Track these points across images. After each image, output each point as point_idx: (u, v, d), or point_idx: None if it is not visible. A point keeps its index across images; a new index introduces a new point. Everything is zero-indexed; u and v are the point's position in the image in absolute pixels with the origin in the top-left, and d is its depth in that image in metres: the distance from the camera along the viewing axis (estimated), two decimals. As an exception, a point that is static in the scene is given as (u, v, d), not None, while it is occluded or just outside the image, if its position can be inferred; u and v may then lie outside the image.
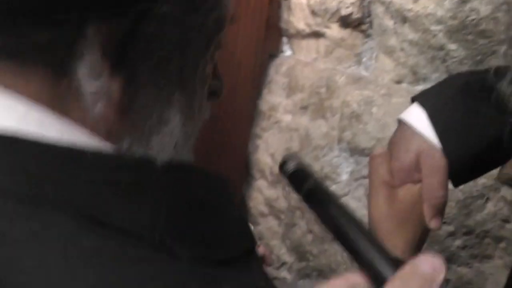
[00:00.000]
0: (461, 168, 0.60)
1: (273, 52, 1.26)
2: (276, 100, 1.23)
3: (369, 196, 0.61)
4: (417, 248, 0.61)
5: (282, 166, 0.41)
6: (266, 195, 1.25)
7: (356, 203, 1.06)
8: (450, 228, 0.95)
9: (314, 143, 1.14)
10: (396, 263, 0.32)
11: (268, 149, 1.25)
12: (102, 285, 0.33)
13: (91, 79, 0.37)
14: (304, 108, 1.18)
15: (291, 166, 0.40)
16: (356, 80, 1.10)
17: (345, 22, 1.11)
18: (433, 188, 0.59)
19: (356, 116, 1.07)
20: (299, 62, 1.20)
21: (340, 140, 1.10)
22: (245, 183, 1.30)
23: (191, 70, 0.43)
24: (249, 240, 0.47)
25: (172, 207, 0.39)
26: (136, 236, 0.37)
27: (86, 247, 0.35)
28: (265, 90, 1.25)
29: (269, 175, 1.25)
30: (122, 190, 0.39)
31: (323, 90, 1.14)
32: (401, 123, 0.62)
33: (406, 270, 0.31)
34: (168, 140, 0.43)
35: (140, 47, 0.39)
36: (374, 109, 1.05)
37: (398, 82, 1.05)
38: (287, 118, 1.20)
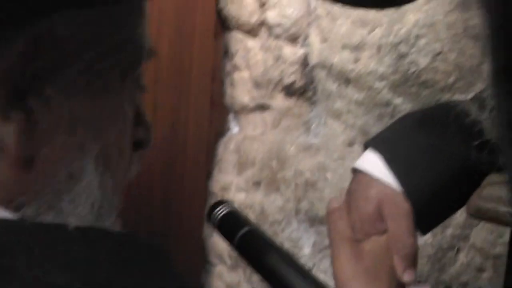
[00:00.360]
0: (427, 210, 0.55)
1: (220, 130, 1.22)
2: (228, 178, 1.18)
3: (332, 255, 0.55)
4: None
5: (210, 213, 0.36)
6: (227, 281, 1.17)
7: (323, 275, 0.99)
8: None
9: (271, 218, 1.08)
10: None
11: (225, 232, 1.18)
12: None
13: None
14: (256, 183, 1.13)
15: (220, 212, 0.35)
16: (307, 148, 1.07)
17: (289, 91, 1.10)
18: (401, 237, 0.54)
19: (311, 185, 1.03)
20: (247, 137, 1.17)
21: (297, 212, 1.04)
22: (204, 271, 1.22)
23: (105, 110, 0.37)
24: None
25: (88, 282, 0.32)
26: None
27: None
28: (215, 169, 1.20)
29: (227, 259, 1.17)
30: (30, 262, 0.32)
31: (274, 162, 1.10)
32: (356, 172, 0.58)
33: None
34: (82, 201, 0.36)
35: (37, 81, 0.33)
36: (329, 175, 1.01)
37: (350, 144, 1.02)
38: (240, 197, 1.15)
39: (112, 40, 0.36)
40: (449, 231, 0.87)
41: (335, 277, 0.55)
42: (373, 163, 0.55)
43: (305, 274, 0.31)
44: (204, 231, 1.21)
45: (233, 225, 0.35)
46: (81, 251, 0.33)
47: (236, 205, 1.14)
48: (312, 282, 0.31)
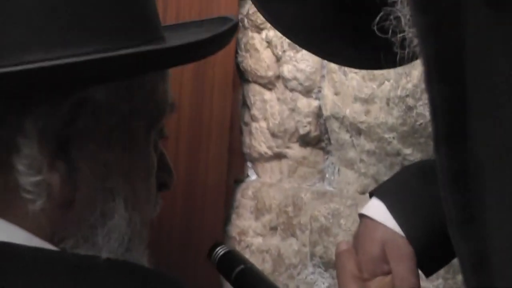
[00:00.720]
0: (429, 254, 0.59)
1: (239, 177, 1.28)
2: (245, 224, 1.22)
3: None
4: None
5: (211, 252, 0.39)
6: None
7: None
8: (435, 334, 0.92)
9: (287, 262, 1.12)
10: None
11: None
12: None
13: (30, 174, 0.37)
14: (273, 228, 1.18)
15: (220, 252, 0.39)
16: (322, 195, 1.11)
17: (305, 141, 1.15)
18: (404, 277, 0.58)
19: (325, 230, 1.07)
20: (264, 184, 1.22)
21: (312, 256, 1.08)
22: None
23: (134, 159, 0.43)
24: None
25: None
26: None
27: None
28: (233, 215, 1.25)
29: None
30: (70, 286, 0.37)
31: (290, 208, 1.15)
32: (362, 218, 0.63)
33: None
34: (114, 236, 0.41)
35: (79, 137, 0.39)
36: (342, 221, 1.05)
37: (362, 192, 1.07)
38: (257, 241, 1.19)
39: (138, 100, 0.43)
40: (459, 277, 0.90)
41: None
42: (377, 210, 0.60)
43: None
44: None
45: (231, 263, 0.39)
46: (108, 279, 0.39)
47: (254, 248, 1.18)
48: None
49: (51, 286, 0.36)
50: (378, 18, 0.48)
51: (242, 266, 0.38)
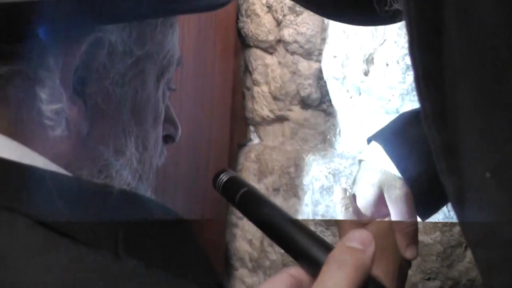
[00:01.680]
0: (425, 195, 0.61)
1: (242, 142, 1.30)
2: (249, 186, 1.25)
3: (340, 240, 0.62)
4: (399, 281, 0.60)
5: (215, 180, 0.41)
6: (248, 283, 1.23)
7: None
8: (437, 283, 0.95)
9: (290, 221, 1.14)
10: (331, 249, 0.33)
11: (246, 236, 1.25)
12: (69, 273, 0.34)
13: (51, 103, 0.39)
14: (276, 190, 1.20)
15: (223, 178, 0.41)
16: (323, 156, 1.13)
17: (306, 103, 1.17)
18: (402, 217, 0.60)
19: (326, 189, 1.09)
20: (267, 147, 1.24)
21: (314, 214, 1.11)
22: (226, 274, 1.28)
23: (144, 102, 0.46)
24: (208, 279, 0.46)
25: (128, 232, 0.40)
26: (98, 247, 0.37)
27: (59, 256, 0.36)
28: (237, 178, 1.27)
29: (249, 262, 1.23)
30: (81, 209, 0.39)
31: (292, 170, 1.17)
32: (361, 163, 0.65)
33: (337, 250, 0.32)
34: (126, 172, 0.44)
35: (95, 75, 0.42)
36: (343, 180, 1.07)
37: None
38: (261, 202, 1.22)
39: (150, 46, 0.45)
40: (456, 229, 0.93)
41: None
42: (375, 153, 0.62)
43: (298, 224, 0.36)
44: (226, 236, 1.28)
45: (234, 187, 0.41)
46: (121, 206, 0.42)
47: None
48: (305, 230, 0.36)
49: (67, 207, 0.38)
50: None
51: (245, 189, 0.40)
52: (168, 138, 0.53)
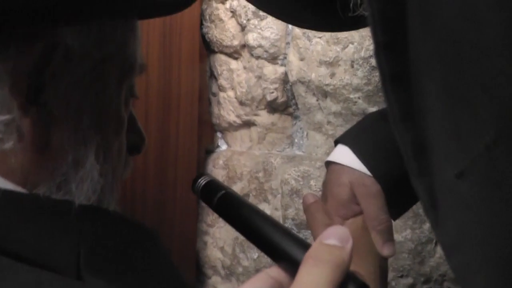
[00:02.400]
0: (395, 193, 0.61)
1: (210, 148, 1.29)
2: (218, 192, 1.23)
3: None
4: (381, 279, 0.60)
5: (194, 184, 0.41)
6: (221, 290, 1.22)
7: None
8: (409, 280, 0.95)
9: (261, 226, 1.14)
10: (309, 247, 0.32)
11: (217, 244, 1.24)
12: None
13: (0, 113, 0.37)
14: (246, 195, 1.19)
15: (201, 182, 0.40)
16: (291, 159, 1.13)
17: (272, 107, 1.17)
18: (375, 214, 0.60)
19: (296, 192, 1.09)
20: (235, 153, 1.23)
21: (285, 219, 1.10)
22: (199, 283, 1.27)
23: (105, 107, 0.44)
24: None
25: (91, 248, 0.39)
26: (56, 270, 0.36)
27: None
28: (206, 185, 1.26)
29: (221, 270, 1.22)
30: (40, 229, 0.38)
31: (261, 174, 1.16)
32: (329, 165, 0.65)
33: (315, 248, 0.32)
34: (86, 185, 0.42)
35: (51, 81, 0.40)
36: (312, 182, 1.07)
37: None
38: (231, 208, 1.21)
39: (111, 49, 0.44)
40: (426, 226, 0.94)
41: None
42: (343, 154, 0.62)
43: (274, 223, 0.36)
44: (197, 243, 1.27)
45: (212, 191, 0.40)
46: (81, 223, 0.40)
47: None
48: (283, 230, 0.36)
49: (24, 228, 0.37)
50: None
51: (223, 191, 0.39)
52: (133, 149, 0.51)
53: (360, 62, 1.00)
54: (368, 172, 0.60)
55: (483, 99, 0.35)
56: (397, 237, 0.94)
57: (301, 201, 1.09)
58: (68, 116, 0.41)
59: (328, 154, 1.09)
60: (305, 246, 0.33)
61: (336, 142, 0.65)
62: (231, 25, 1.20)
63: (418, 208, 0.91)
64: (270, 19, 1.15)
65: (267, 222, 0.35)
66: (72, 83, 0.41)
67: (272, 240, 0.34)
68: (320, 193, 1.06)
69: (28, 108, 0.39)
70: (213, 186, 0.40)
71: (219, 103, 1.26)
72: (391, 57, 0.39)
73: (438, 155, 0.40)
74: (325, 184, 0.64)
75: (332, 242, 0.31)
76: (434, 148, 0.40)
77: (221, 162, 1.25)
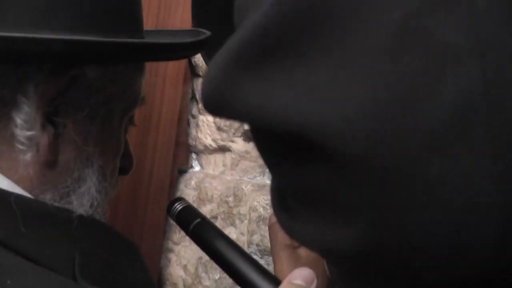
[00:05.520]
0: None
1: (183, 168, 1.33)
2: (187, 212, 1.27)
3: (273, 262, 0.65)
4: None
5: (169, 208, 0.44)
6: (180, 308, 1.25)
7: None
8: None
9: (225, 249, 1.18)
10: (278, 283, 0.37)
11: (181, 262, 1.27)
12: None
13: (26, 128, 0.42)
14: (214, 217, 1.23)
15: (178, 207, 0.44)
16: (261, 188, 1.18)
17: (248, 136, 1.22)
18: None
19: (263, 219, 1.14)
20: (207, 175, 1.27)
21: (250, 244, 1.14)
22: (158, 299, 1.29)
23: (108, 136, 0.49)
24: None
25: (85, 255, 0.43)
26: (57, 270, 0.40)
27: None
28: (176, 203, 1.29)
29: None
30: (43, 231, 0.42)
31: (231, 199, 1.21)
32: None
33: (284, 286, 0.36)
34: (85, 199, 0.47)
35: (68, 107, 0.45)
36: (279, 211, 1.12)
37: (299, 186, 1.14)
38: (198, 229, 1.24)
39: (122, 86, 0.49)
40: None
41: None
42: None
43: (247, 256, 0.40)
44: (161, 261, 1.30)
45: (188, 217, 0.44)
46: (79, 230, 0.44)
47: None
48: (255, 264, 0.40)
49: (29, 229, 0.40)
50: None
51: (199, 220, 0.43)
52: (122, 171, 0.56)
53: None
54: None
55: None
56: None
57: (267, 228, 1.13)
58: (78, 139, 0.46)
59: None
60: (275, 281, 0.38)
61: None
62: (217, 53, 1.25)
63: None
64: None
65: (240, 255, 0.39)
66: (85, 112, 0.46)
67: (244, 272, 0.38)
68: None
69: (48, 127, 0.43)
70: (190, 213, 0.44)
71: (197, 125, 1.30)
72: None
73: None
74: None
75: (299, 282, 0.36)
76: None
77: (193, 183, 1.28)
